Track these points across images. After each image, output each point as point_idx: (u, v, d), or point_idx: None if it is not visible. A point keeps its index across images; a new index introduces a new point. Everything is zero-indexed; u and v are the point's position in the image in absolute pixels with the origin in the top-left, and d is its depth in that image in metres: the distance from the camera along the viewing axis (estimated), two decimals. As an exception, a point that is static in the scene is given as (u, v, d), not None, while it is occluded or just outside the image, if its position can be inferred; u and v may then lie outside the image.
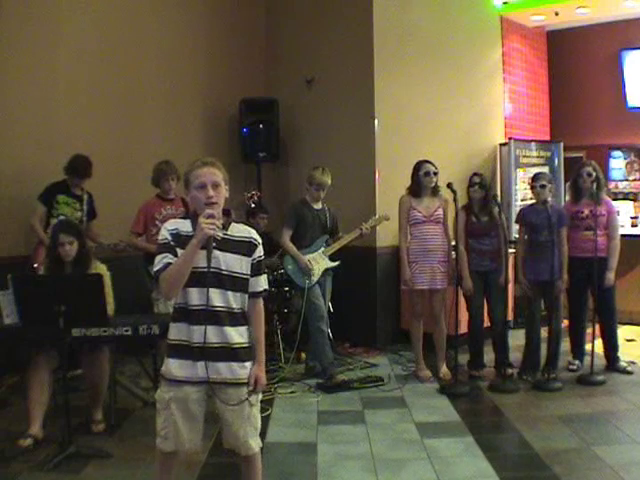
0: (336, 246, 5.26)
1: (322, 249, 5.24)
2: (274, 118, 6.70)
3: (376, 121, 6.24)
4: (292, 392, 4.90)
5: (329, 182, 5.20)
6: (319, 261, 5.20)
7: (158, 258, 2.53)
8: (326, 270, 5.25)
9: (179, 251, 2.51)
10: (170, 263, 2.49)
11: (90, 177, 5.12)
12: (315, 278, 5.16)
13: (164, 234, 2.57)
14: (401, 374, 5.35)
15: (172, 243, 2.53)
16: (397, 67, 6.39)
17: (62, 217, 4.94)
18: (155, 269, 2.53)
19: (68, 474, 3.44)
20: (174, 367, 2.58)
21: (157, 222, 5.12)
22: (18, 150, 5.35)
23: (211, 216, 2.44)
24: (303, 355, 5.53)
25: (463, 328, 5.19)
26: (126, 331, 3.79)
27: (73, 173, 5.05)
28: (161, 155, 5.40)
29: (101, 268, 4.09)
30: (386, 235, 6.22)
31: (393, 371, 5.44)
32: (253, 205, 6.10)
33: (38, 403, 3.84)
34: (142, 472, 3.45)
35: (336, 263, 5.29)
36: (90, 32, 5.80)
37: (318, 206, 5.30)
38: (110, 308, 3.97)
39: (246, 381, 2.60)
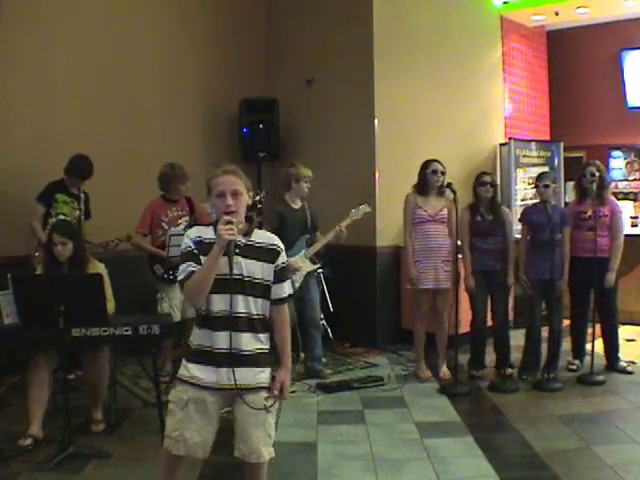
0: (316, 246, 5.20)
1: (303, 251, 5.18)
2: (274, 118, 6.70)
3: (376, 121, 6.24)
4: (292, 392, 4.88)
5: None
6: (300, 265, 5.14)
7: (182, 267, 2.54)
8: (309, 273, 5.20)
9: (202, 258, 2.51)
10: (194, 271, 2.50)
11: (91, 177, 5.12)
12: (297, 284, 5.09)
13: (187, 242, 2.57)
14: (401, 374, 5.35)
15: (195, 251, 2.54)
16: (397, 67, 6.39)
17: (60, 217, 4.92)
18: (180, 278, 2.55)
19: (68, 474, 3.44)
20: (195, 371, 2.56)
21: (163, 224, 5.15)
22: (18, 150, 5.35)
23: (229, 222, 2.44)
24: (302, 355, 5.53)
25: (464, 328, 5.19)
26: (126, 331, 3.78)
27: (75, 173, 5.02)
28: (161, 155, 5.40)
29: (99, 267, 4.08)
30: (386, 235, 6.23)
31: (393, 371, 5.44)
32: (259, 206, 6.09)
33: (38, 403, 3.84)
34: (142, 472, 3.45)
35: (317, 266, 5.27)
36: (90, 31, 5.79)
37: (297, 205, 5.26)
38: (111, 306, 3.98)
39: (265, 385, 2.60)
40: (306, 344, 5.21)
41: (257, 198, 5.74)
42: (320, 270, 5.84)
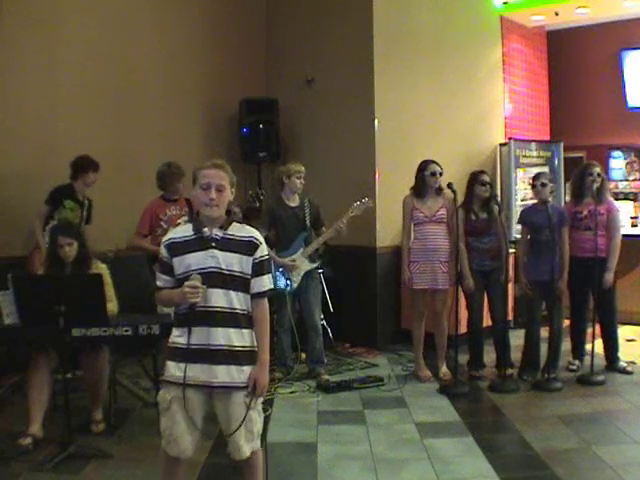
0: (314, 246, 5.17)
1: (301, 250, 5.13)
2: (274, 118, 6.70)
3: (376, 121, 6.24)
4: (292, 392, 4.89)
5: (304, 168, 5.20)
6: (298, 264, 5.11)
7: (157, 275, 2.70)
8: (308, 272, 5.15)
9: (175, 260, 2.60)
10: (161, 288, 2.66)
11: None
12: (296, 284, 5.08)
13: (161, 250, 2.68)
14: (401, 374, 5.35)
15: (166, 260, 2.64)
16: (397, 67, 6.39)
17: (60, 219, 4.93)
18: (156, 284, 2.71)
19: (68, 474, 3.44)
20: (174, 369, 2.59)
21: (162, 223, 5.15)
22: (18, 151, 5.34)
23: (194, 287, 2.51)
24: (303, 355, 5.52)
25: (463, 328, 5.18)
26: (126, 331, 3.79)
27: (91, 167, 5.02)
28: (162, 156, 5.40)
29: (101, 267, 4.10)
30: (386, 235, 6.22)
31: (393, 371, 5.44)
32: (258, 204, 6.06)
33: (38, 403, 3.84)
34: (142, 472, 3.45)
35: (316, 264, 5.22)
36: (90, 33, 5.79)
37: (294, 203, 5.20)
38: (113, 305, 3.99)
39: (244, 385, 2.59)
40: (307, 345, 5.19)
41: (257, 204, 5.72)
42: (320, 270, 5.82)
